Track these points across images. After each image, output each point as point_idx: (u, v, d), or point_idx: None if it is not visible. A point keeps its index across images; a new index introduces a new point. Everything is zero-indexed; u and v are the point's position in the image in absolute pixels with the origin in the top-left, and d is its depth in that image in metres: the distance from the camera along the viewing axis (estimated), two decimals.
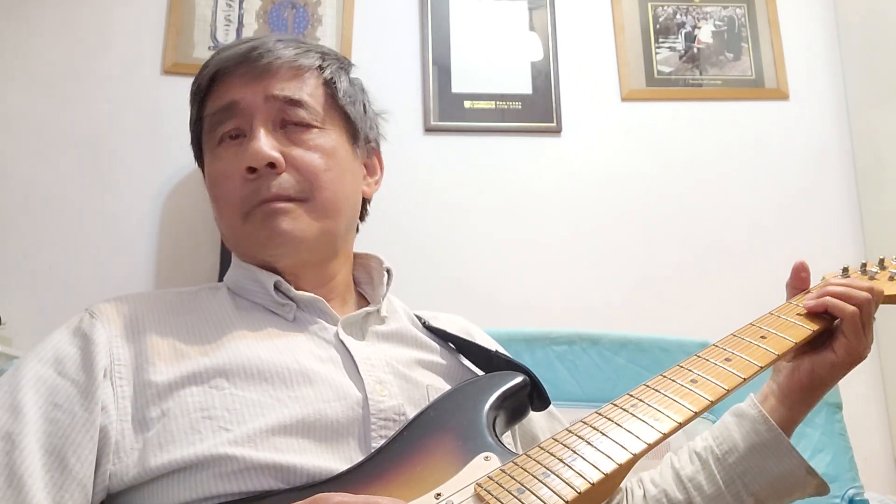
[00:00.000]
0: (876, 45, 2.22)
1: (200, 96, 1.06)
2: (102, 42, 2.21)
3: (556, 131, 2.26)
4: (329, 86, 1.07)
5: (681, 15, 2.36)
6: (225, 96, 1.02)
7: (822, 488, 0.97)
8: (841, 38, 2.38)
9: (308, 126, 1.02)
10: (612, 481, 0.70)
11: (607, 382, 1.72)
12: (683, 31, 2.35)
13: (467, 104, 2.25)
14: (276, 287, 0.99)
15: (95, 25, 2.21)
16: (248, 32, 2.24)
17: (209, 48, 2.21)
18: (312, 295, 0.99)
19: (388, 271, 1.11)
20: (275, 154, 0.98)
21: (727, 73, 2.33)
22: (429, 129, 2.22)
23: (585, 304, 2.13)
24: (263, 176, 0.98)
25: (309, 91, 1.04)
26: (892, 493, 1.86)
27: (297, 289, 1.00)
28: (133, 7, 2.24)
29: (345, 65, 1.12)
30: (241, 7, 2.25)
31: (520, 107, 2.26)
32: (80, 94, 2.16)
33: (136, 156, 2.15)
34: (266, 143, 0.98)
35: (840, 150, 2.31)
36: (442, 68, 2.26)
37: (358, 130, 1.10)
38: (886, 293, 0.99)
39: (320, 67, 1.07)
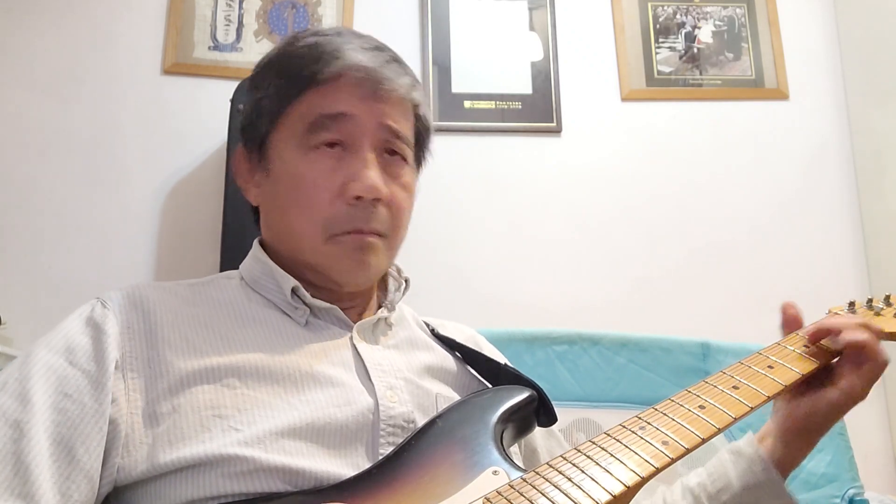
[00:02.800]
0: (876, 45, 2.22)
1: (305, 84, 0.99)
2: (103, 42, 2.21)
3: (556, 131, 2.26)
4: (419, 121, 1.07)
5: (681, 15, 2.36)
6: (341, 104, 0.98)
7: None
8: (841, 38, 2.38)
9: (403, 160, 1.02)
10: (619, 503, 0.70)
11: (608, 382, 1.72)
12: (683, 31, 2.35)
13: (467, 104, 2.25)
14: (294, 291, 0.98)
15: (95, 26, 2.21)
16: (248, 32, 2.23)
17: (209, 48, 2.21)
18: (328, 304, 0.99)
19: (406, 281, 1.11)
20: (386, 191, 0.97)
21: (727, 73, 2.33)
22: None
23: (586, 303, 2.14)
24: (365, 206, 0.95)
25: (408, 126, 1.03)
26: (892, 493, 1.87)
27: (316, 296, 0.99)
28: (133, 7, 2.24)
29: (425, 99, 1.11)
30: (241, 7, 2.25)
31: (520, 107, 2.26)
32: (80, 94, 2.16)
33: (136, 156, 2.15)
34: (379, 178, 0.96)
35: (840, 149, 2.32)
36: (442, 68, 2.26)
37: (422, 165, 1.12)
38: (890, 330, 0.98)
39: (417, 103, 1.06)
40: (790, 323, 0.99)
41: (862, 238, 2.24)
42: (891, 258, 2.13)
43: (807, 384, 0.91)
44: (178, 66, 2.20)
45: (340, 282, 0.99)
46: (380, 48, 1.03)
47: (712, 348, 1.75)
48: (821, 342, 0.93)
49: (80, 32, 2.20)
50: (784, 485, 0.94)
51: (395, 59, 1.03)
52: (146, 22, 2.23)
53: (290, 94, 1.00)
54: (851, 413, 1.72)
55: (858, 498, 1.58)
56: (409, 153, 1.04)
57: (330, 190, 0.96)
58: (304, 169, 0.98)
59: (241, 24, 2.24)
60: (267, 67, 1.04)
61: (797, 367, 0.90)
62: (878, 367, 0.90)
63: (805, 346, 0.93)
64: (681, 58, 2.34)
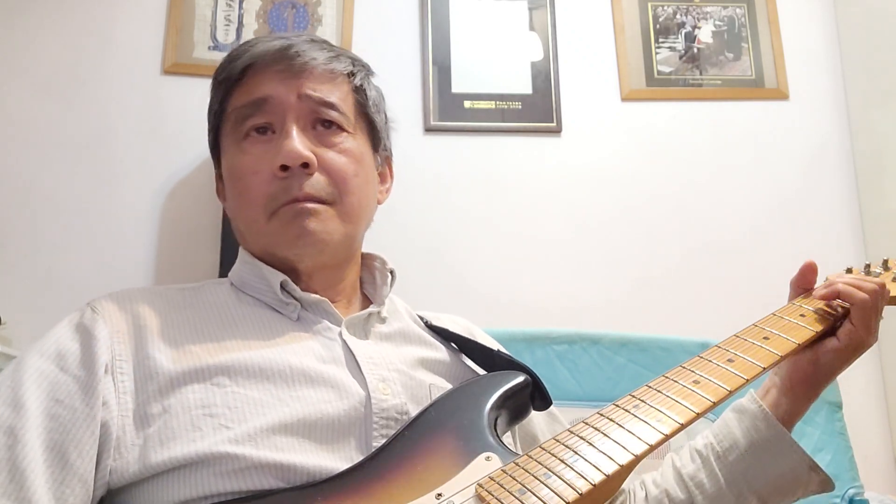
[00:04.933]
0: (876, 45, 2.22)
1: (227, 87, 1.05)
2: (102, 42, 2.21)
3: (556, 131, 2.26)
4: (359, 93, 1.09)
5: (681, 15, 2.36)
6: (257, 90, 1.02)
7: (826, 485, 0.95)
8: (841, 38, 2.38)
9: (339, 129, 1.03)
10: (613, 482, 0.69)
11: (607, 382, 1.72)
12: (683, 31, 2.35)
13: (467, 104, 2.25)
14: (283, 286, 0.99)
15: (95, 26, 2.21)
16: (248, 32, 2.24)
17: (209, 48, 2.21)
18: (317, 296, 0.99)
19: (392, 272, 1.11)
20: (310, 154, 0.98)
21: (727, 73, 2.33)
22: (429, 129, 2.22)
23: (585, 303, 2.13)
24: (295, 175, 0.98)
25: (341, 96, 1.05)
26: (892, 493, 1.86)
27: (305, 289, 1.00)
28: (133, 7, 2.24)
29: (370, 72, 1.13)
30: (241, 7, 2.25)
31: (520, 107, 2.26)
32: (80, 94, 2.16)
33: (136, 156, 2.15)
34: (301, 143, 0.98)
35: (840, 149, 2.31)
36: (442, 68, 2.26)
37: (379, 139, 1.13)
38: (890, 294, 0.99)
39: (351, 73, 1.08)
40: (803, 283, 1.02)
41: (862, 238, 2.23)
42: (891, 258, 2.12)
43: (808, 345, 0.92)
44: (178, 66, 2.20)
45: (292, 256, 1.01)
46: (297, 35, 1.07)
47: None
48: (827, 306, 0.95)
49: (80, 32, 2.20)
50: (790, 436, 0.94)
51: (314, 40, 1.07)
52: (146, 22, 2.23)
53: (220, 100, 1.07)
54: (851, 413, 1.72)
55: (858, 498, 1.58)
56: (347, 121, 1.05)
57: (264, 171, 0.99)
58: (240, 159, 1.03)
59: (241, 24, 2.24)
60: (210, 87, 1.11)
61: (794, 336, 0.90)
62: (860, 307, 0.92)
63: (801, 315, 0.94)
64: (681, 58, 2.34)
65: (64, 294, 2.02)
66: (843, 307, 0.94)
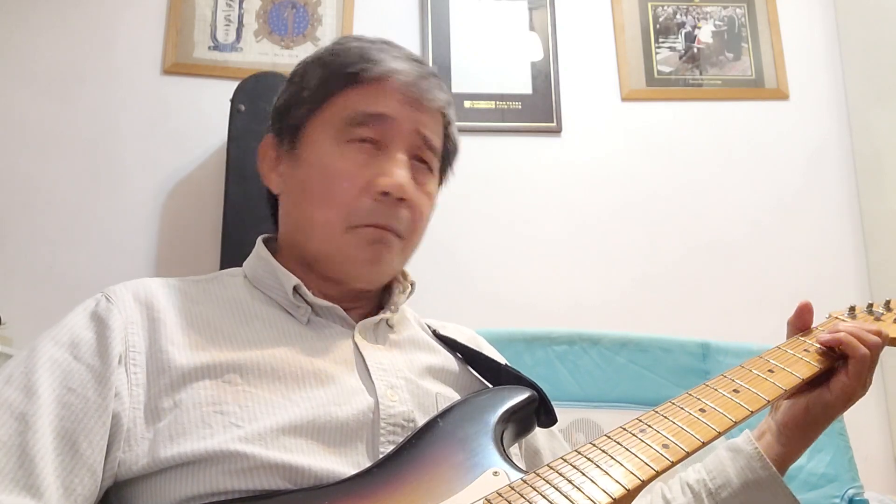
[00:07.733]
0: (876, 45, 2.22)
1: (348, 80, 1.02)
2: (103, 42, 2.21)
3: (556, 131, 2.26)
4: (448, 140, 1.09)
5: (681, 15, 2.36)
6: (384, 104, 1.00)
7: None
8: (841, 38, 2.38)
9: (429, 170, 1.04)
10: None
11: (607, 382, 1.72)
12: (683, 31, 2.35)
13: (467, 104, 2.25)
14: (295, 290, 0.99)
15: (96, 25, 2.21)
16: (248, 32, 2.24)
17: (209, 48, 2.21)
18: (329, 303, 0.99)
19: (413, 285, 1.12)
20: (413, 193, 0.99)
21: (727, 73, 2.33)
22: None
23: (586, 303, 2.14)
24: (389, 203, 0.97)
25: (440, 140, 1.06)
26: (892, 493, 1.87)
27: (318, 295, 0.99)
28: (133, 7, 2.24)
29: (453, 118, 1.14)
30: (241, 7, 2.25)
31: (520, 107, 2.26)
32: (80, 94, 2.16)
33: (136, 155, 2.15)
34: (408, 178, 0.99)
35: (840, 149, 2.32)
36: (442, 68, 2.26)
37: (443, 181, 1.13)
38: (891, 335, 0.99)
39: (449, 121, 1.09)
40: (799, 324, 1.01)
41: (862, 238, 2.24)
42: (891, 258, 2.13)
43: (807, 383, 0.92)
44: (178, 66, 2.20)
45: (352, 274, 1.00)
46: (421, 62, 1.06)
47: (712, 348, 1.75)
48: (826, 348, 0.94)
49: (80, 32, 2.20)
50: (783, 481, 0.95)
51: (434, 74, 1.06)
52: (146, 22, 2.23)
53: (333, 88, 1.02)
54: (851, 413, 1.72)
55: (858, 498, 1.58)
56: (437, 165, 1.06)
57: (358, 183, 0.98)
58: (337, 160, 1.00)
59: (241, 24, 2.24)
60: (312, 63, 1.06)
61: (797, 371, 0.90)
62: (858, 361, 0.92)
63: (805, 350, 0.94)
64: (681, 58, 2.34)
65: (65, 294, 2.02)
66: (842, 351, 0.94)
